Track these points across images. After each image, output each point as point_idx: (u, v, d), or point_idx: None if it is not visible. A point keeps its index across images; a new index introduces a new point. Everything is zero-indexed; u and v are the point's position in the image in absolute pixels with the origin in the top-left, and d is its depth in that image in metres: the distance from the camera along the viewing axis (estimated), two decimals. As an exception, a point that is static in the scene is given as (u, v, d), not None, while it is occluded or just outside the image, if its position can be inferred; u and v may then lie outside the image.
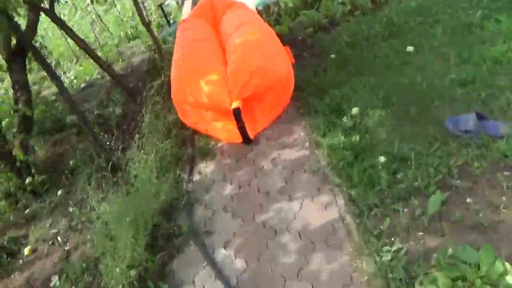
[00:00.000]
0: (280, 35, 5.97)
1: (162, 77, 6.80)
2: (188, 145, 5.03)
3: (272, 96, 4.97)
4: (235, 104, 4.57)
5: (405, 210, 3.28)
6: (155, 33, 8.91)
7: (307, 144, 4.46)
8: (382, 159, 3.78)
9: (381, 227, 3.18)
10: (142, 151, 4.67)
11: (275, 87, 4.92)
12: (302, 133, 4.68)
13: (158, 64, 7.39)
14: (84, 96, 8.20)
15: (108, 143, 4.77)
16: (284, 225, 3.50)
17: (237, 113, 4.54)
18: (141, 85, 7.46)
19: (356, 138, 4.16)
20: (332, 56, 6.03)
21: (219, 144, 5.01)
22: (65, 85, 9.10)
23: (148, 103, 4.91)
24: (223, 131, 4.97)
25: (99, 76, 9.20)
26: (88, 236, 4.17)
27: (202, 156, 4.85)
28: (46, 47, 9.06)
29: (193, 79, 4.90)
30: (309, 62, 6.24)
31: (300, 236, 3.35)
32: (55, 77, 4.65)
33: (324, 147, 4.24)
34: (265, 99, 4.97)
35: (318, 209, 3.57)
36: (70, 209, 4.34)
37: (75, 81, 9.17)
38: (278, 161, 4.35)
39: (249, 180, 4.21)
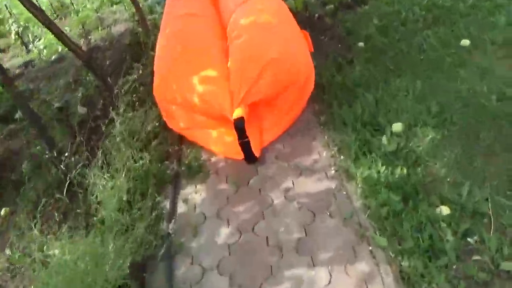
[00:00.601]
0: (291, 12, 4.69)
1: (145, 59, 5.54)
2: (173, 159, 3.84)
3: (286, 97, 3.77)
4: (237, 113, 3.36)
5: (489, 305, 2.20)
6: (141, -1, 7.55)
7: (333, 171, 3.31)
8: (444, 210, 2.67)
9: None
10: (110, 168, 3.50)
11: (291, 87, 3.71)
12: (324, 153, 3.51)
13: (142, 39, 6.08)
14: (53, 71, 6.88)
15: (66, 153, 3.58)
16: (306, 312, 2.40)
17: (239, 125, 3.35)
18: (120, 64, 6.22)
19: (402, 170, 3.02)
20: (360, 44, 4.79)
21: (213, 159, 3.83)
22: (33, 55, 7.82)
23: (122, 101, 3.68)
24: (219, 143, 3.78)
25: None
26: (31, 288, 3.05)
27: (190, 176, 3.68)
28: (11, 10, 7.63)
29: (182, 73, 3.66)
30: (330, 49, 5.00)
31: (331, 337, 2.25)
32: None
33: (357, 179, 3.10)
34: (277, 102, 3.77)
35: (355, 286, 2.46)
36: (8, 252, 3.19)
37: (45, 51, 7.79)
38: (293, 195, 3.19)
39: (254, 221, 3.06)
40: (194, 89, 3.54)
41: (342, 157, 3.38)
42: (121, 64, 6.19)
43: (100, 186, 3.31)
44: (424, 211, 2.67)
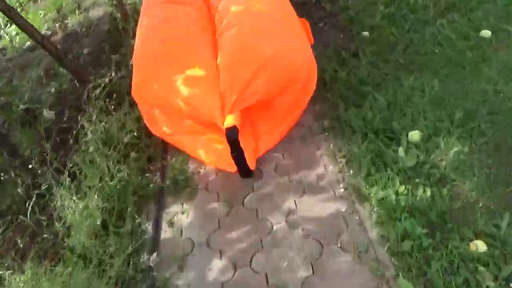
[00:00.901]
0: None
1: (125, 48, 4.98)
2: (156, 171, 3.34)
3: (286, 98, 3.27)
4: (229, 121, 2.86)
5: None
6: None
7: (341, 189, 2.85)
8: (481, 246, 2.23)
9: None
10: (82, 184, 3.00)
11: (291, 87, 3.21)
12: (331, 166, 3.04)
13: (121, 25, 5.49)
14: (26, 60, 6.27)
15: (30, 166, 3.06)
16: None
17: (232, 135, 2.85)
18: (99, 53, 5.64)
19: (425, 191, 2.57)
20: (365, 33, 4.28)
21: (202, 171, 3.35)
22: (5, 42, 7.15)
23: (94, 105, 3.14)
24: (209, 152, 3.28)
25: (49, 33, 7.19)
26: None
27: (175, 192, 3.19)
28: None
29: (163, 72, 3.14)
30: (330, 39, 4.48)
31: None
32: None
33: (371, 201, 2.64)
34: (275, 103, 3.28)
35: None
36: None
37: (17, 37, 7.12)
38: (296, 219, 2.74)
39: (250, 253, 2.60)
40: (178, 91, 3.02)
41: (351, 171, 2.91)
42: (99, 53, 5.63)
43: (70, 208, 2.82)
44: (455, 247, 2.24)
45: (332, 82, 3.72)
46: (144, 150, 3.47)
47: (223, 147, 3.10)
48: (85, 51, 5.76)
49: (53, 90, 4.87)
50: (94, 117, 3.03)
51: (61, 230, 2.72)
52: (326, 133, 3.32)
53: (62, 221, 2.76)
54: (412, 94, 3.31)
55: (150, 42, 3.41)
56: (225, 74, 3.00)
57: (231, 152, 2.94)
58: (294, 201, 2.86)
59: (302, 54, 3.29)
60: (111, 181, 2.96)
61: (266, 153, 3.29)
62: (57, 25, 6.91)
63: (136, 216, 2.99)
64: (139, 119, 3.63)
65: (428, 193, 2.55)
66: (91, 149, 3.08)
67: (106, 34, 6.08)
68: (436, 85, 3.30)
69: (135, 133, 3.17)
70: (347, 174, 2.92)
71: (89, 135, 3.03)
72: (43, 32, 7.14)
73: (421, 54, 3.73)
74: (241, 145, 2.96)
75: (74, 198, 2.79)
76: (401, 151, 2.85)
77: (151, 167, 3.36)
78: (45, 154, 2.96)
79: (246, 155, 3.04)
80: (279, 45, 3.12)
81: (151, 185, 3.24)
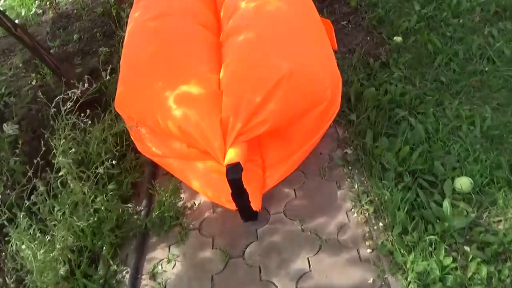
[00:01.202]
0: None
1: (117, 40, 4.37)
2: (140, 204, 2.76)
3: (303, 124, 2.66)
4: (232, 155, 2.26)
5: None
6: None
7: (368, 249, 2.26)
8: None
9: None
10: (47, 220, 2.43)
11: (312, 110, 2.60)
12: (355, 214, 2.45)
13: (115, 11, 4.84)
14: (9, 45, 5.65)
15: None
16: None
17: (234, 175, 2.24)
18: (90, 40, 5.03)
19: (480, 269, 1.99)
20: (397, 39, 3.62)
21: (196, 205, 2.76)
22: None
23: (65, 122, 2.52)
24: (204, 183, 2.67)
25: (40, 11, 6.55)
26: None
27: (161, 231, 2.61)
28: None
29: (152, 85, 2.52)
30: (355, 42, 3.83)
31: None
32: None
33: (408, 275, 2.05)
34: (289, 130, 2.67)
35: None
36: None
37: (4, 16, 6.48)
38: (310, 287, 2.16)
39: (250, 331, 2.05)
40: (168, 111, 2.41)
41: (380, 224, 2.32)
42: (90, 41, 5.01)
43: (29, 253, 2.25)
44: None
45: (358, 99, 3.10)
46: (127, 174, 2.88)
47: (222, 178, 2.50)
48: (75, 37, 5.14)
49: (34, 82, 4.29)
50: (62, 140, 2.42)
51: (12, 286, 2.16)
52: (350, 167, 2.72)
53: (15, 275, 2.19)
54: (458, 125, 2.69)
55: (139, 44, 2.79)
56: (229, 95, 2.39)
57: (232, 194, 2.34)
58: (308, 259, 2.27)
59: (326, 68, 2.67)
60: (83, 215, 2.38)
61: (275, 186, 2.70)
62: (48, 3, 6.26)
63: (111, 262, 2.43)
64: (125, 132, 3.04)
65: (484, 271, 1.97)
66: (61, 173, 2.49)
67: (99, 19, 5.45)
68: (489, 116, 2.68)
69: (115, 154, 2.55)
70: (375, 227, 2.33)
71: (60, 158, 2.42)
72: (32, 11, 6.51)
73: (468, 71, 3.08)
74: (245, 178, 2.36)
75: (33, 244, 2.22)
76: (446, 205, 2.25)
77: (134, 197, 2.77)
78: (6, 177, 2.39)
79: (250, 194, 2.44)
80: (299, 57, 2.51)
81: (132, 219, 2.68)
